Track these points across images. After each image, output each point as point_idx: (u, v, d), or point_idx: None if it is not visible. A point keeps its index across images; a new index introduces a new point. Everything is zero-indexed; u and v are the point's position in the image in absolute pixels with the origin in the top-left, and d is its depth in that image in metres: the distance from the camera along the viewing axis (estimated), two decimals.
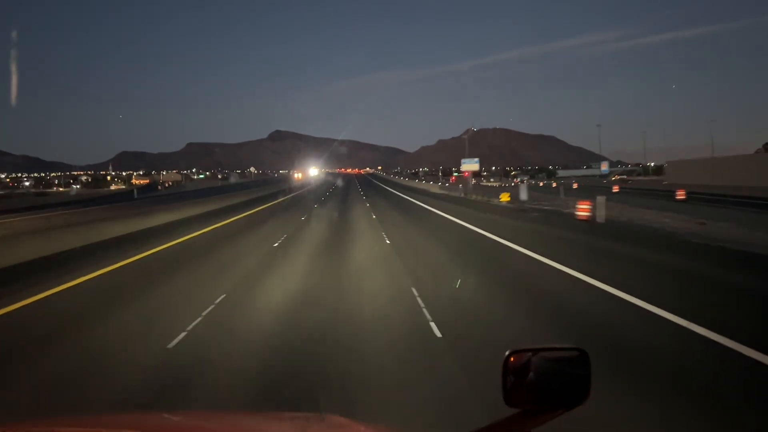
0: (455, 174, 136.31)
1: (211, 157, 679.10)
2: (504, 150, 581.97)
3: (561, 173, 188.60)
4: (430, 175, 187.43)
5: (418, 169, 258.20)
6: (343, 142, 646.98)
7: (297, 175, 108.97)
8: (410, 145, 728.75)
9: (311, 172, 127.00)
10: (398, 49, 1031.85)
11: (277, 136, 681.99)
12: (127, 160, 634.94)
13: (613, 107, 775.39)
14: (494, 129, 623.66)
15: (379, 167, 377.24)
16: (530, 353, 2.09)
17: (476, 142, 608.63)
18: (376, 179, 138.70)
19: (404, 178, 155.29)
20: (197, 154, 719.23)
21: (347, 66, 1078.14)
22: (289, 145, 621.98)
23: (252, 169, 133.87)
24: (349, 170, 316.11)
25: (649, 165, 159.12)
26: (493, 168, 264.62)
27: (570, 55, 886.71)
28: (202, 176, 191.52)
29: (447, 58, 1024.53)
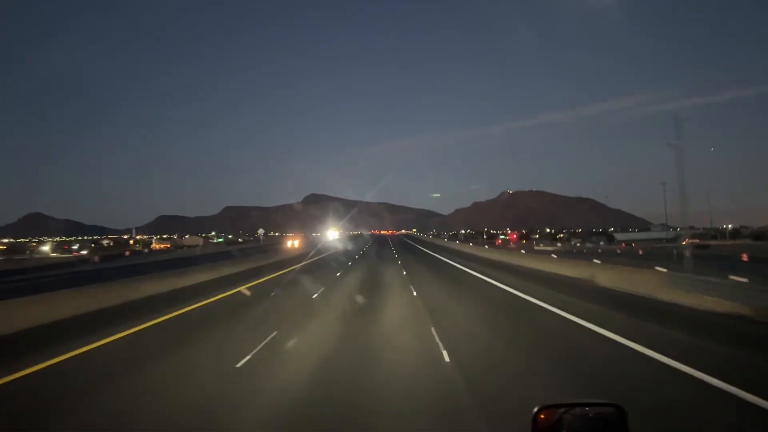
0: (501, 237, 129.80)
1: (247, 220, 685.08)
2: (541, 212, 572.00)
3: (619, 236, 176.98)
4: (471, 236, 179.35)
5: (459, 231, 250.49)
6: (376, 204, 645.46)
7: (291, 243, 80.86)
8: (445, 208, 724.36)
9: (330, 234, 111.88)
10: (432, 113, 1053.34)
11: (312, 199, 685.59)
12: (166, 224, 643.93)
13: (650, 170, 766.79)
14: (530, 191, 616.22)
15: (414, 229, 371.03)
16: (562, 409, 2.14)
17: (512, 205, 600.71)
18: (411, 240, 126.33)
19: (444, 238, 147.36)
20: (233, 217, 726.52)
21: (384, 129, 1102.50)
22: (323, 207, 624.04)
23: (260, 231, 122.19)
24: (383, 232, 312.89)
25: (726, 228, 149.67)
26: (541, 230, 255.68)
27: (606, 119, 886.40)
28: (221, 240, 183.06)
29: (482, 121, 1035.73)
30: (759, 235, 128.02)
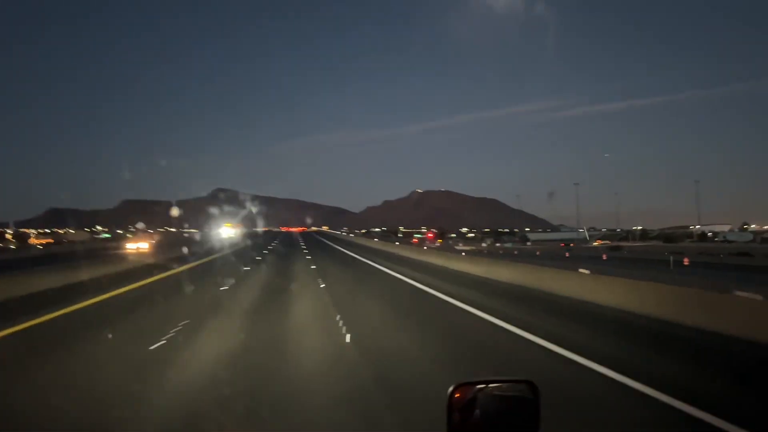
0: (417, 236, 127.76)
1: (147, 214, 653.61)
2: (449, 212, 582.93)
3: (533, 236, 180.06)
4: (384, 235, 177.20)
5: (371, 229, 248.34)
6: (287, 201, 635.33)
7: (133, 246, 51.08)
8: (355, 206, 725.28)
9: (223, 231, 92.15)
10: (344, 111, 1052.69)
11: (220, 194, 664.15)
12: (57, 217, 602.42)
13: (551, 173, 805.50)
14: (439, 191, 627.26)
15: (325, 226, 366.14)
16: (476, 387, 2.29)
17: (422, 204, 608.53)
18: (325, 238, 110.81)
19: (352, 235, 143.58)
20: (133, 211, 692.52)
21: (295, 126, 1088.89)
22: (231, 202, 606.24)
23: (140, 225, 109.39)
24: (292, 229, 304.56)
25: (636, 229, 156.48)
26: (454, 230, 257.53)
27: (512, 121, 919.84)
28: (107, 235, 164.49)
29: (393, 121, 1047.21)
30: (669, 237, 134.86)
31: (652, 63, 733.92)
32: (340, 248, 65.83)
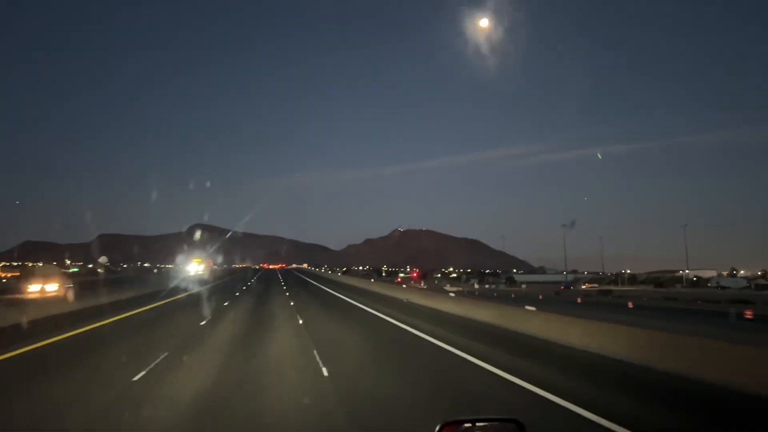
0: (401, 275, 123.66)
1: (124, 249, 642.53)
2: (430, 251, 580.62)
3: (519, 278, 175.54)
4: (366, 274, 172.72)
5: (352, 267, 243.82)
6: (267, 237, 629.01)
7: (36, 288, 37.24)
8: (336, 243, 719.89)
9: (190, 267, 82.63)
10: (326, 150, 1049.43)
11: (197, 230, 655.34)
12: (32, 251, 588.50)
13: (532, 216, 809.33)
14: (421, 230, 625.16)
15: (305, 264, 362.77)
16: (463, 425, 2.33)
17: (404, 243, 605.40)
18: (307, 276, 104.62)
19: (339, 273, 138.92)
20: (110, 245, 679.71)
21: (276, 164, 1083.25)
22: (209, 238, 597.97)
23: (102, 259, 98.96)
24: (272, 266, 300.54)
25: (624, 273, 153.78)
26: (438, 270, 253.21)
27: (494, 165, 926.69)
28: (76, 269, 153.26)
29: (375, 161, 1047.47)
30: (659, 282, 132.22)
31: (630, 110, 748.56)
32: (326, 289, 59.53)
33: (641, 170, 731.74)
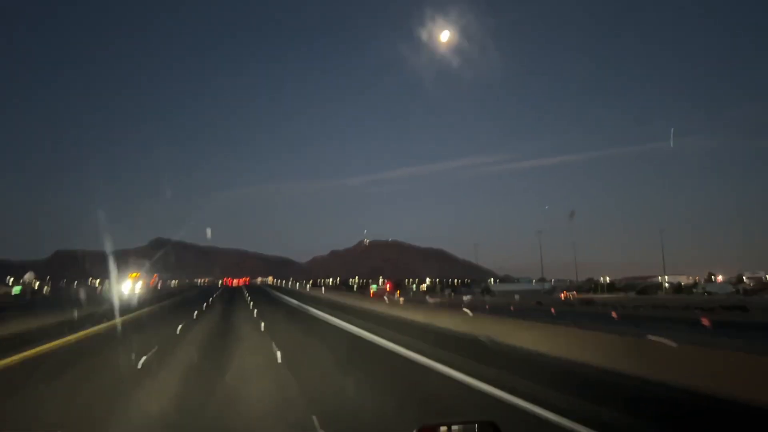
0: (373, 287, 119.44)
1: (81, 266, 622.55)
2: (397, 262, 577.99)
3: (497, 287, 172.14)
4: (334, 288, 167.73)
5: (321, 280, 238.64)
6: (230, 251, 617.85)
7: None
8: (301, 256, 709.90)
9: (124, 287, 67.90)
10: (288, 161, 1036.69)
11: (159, 244, 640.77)
12: None
13: (497, 224, 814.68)
14: (386, 241, 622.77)
15: (270, 278, 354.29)
16: (439, 428, 2.37)
17: (369, 254, 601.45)
18: (280, 293, 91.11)
19: (307, 286, 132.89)
20: (66, 262, 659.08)
21: (238, 175, 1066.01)
22: (171, 253, 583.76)
23: (27, 276, 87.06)
24: (236, 281, 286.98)
25: (603, 280, 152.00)
26: (412, 281, 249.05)
27: (456, 174, 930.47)
28: (18, 288, 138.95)
29: (339, 172, 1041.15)
30: (642, 289, 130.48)
31: (597, 117, 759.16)
32: (304, 307, 48.78)
33: (607, 177, 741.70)
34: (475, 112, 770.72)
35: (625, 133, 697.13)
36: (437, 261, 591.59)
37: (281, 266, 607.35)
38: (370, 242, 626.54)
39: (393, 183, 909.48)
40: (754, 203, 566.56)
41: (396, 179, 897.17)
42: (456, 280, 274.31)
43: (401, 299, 73.99)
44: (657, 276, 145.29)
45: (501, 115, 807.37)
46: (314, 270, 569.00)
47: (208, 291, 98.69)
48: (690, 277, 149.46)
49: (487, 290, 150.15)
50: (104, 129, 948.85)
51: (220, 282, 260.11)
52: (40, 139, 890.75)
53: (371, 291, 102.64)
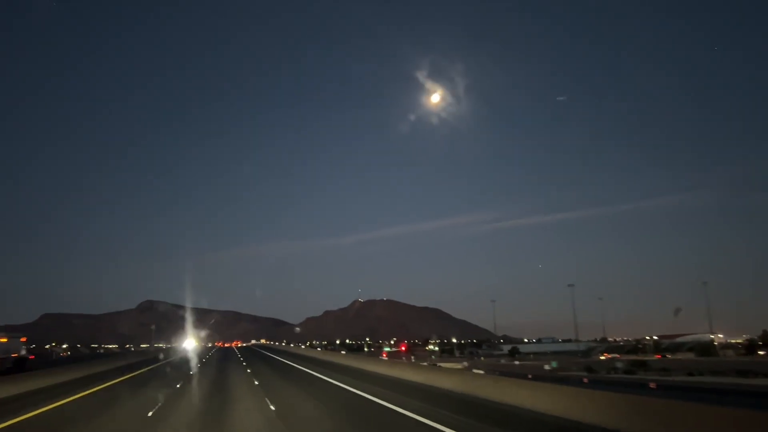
0: (386, 349, 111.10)
1: (69, 329, 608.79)
2: (392, 321, 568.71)
3: (528, 348, 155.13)
4: (333, 349, 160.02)
5: (315, 342, 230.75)
6: (221, 313, 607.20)
7: None
8: (294, 317, 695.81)
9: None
10: (280, 222, 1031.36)
11: (147, 306, 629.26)
12: None
13: (493, 283, 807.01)
14: (381, 300, 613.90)
15: (263, 339, 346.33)
16: None
17: (364, 314, 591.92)
18: (281, 356, 79.19)
19: (301, 346, 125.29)
20: (53, 326, 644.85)
21: (227, 236, 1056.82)
22: (160, 315, 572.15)
23: None
24: (227, 344, 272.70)
25: (649, 339, 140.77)
26: (423, 341, 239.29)
27: (449, 233, 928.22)
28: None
29: (330, 232, 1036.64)
30: (706, 349, 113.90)
31: (585, 177, 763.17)
32: (324, 378, 36.22)
33: (609, 234, 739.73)
34: (467, 170, 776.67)
35: (614, 192, 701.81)
36: (433, 320, 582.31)
37: (274, 327, 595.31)
38: (364, 301, 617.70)
39: (385, 241, 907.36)
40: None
41: (388, 238, 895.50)
42: (465, 341, 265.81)
43: (426, 363, 68.13)
44: (685, 334, 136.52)
45: (493, 173, 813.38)
46: (308, 331, 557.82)
47: (202, 353, 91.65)
48: (744, 336, 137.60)
49: (515, 352, 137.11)
50: (93, 191, 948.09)
51: (211, 344, 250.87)
52: (26, 201, 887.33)
53: (384, 353, 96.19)
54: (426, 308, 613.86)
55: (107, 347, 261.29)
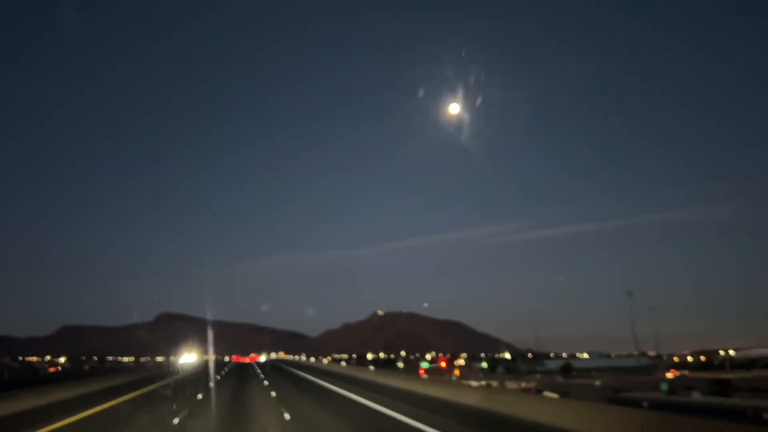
0: (423, 365, 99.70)
1: (87, 341, 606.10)
2: (413, 335, 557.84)
3: (583, 363, 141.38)
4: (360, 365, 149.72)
5: (333, 355, 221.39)
6: (239, 325, 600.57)
7: None
8: (313, 329, 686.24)
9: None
10: (298, 233, 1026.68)
11: (165, 319, 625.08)
12: None
13: (515, 295, 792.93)
14: (401, 313, 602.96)
15: (281, 352, 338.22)
16: None
17: (383, 327, 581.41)
18: (313, 374, 65.76)
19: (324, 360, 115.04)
20: (71, 338, 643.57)
21: (245, 247, 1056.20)
22: (177, 327, 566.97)
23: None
24: (242, 359, 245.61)
25: (726, 353, 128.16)
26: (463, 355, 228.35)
27: (470, 244, 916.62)
28: None
29: (349, 243, 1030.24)
30: (750, 362, 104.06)
31: (621, 185, 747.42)
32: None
33: (627, 245, 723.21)
34: (490, 179, 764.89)
35: (629, 203, 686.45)
36: (454, 333, 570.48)
37: (291, 340, 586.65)
38: (384, 314, 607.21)
39: (407, 253, 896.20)
40: None
41: (410, 249, 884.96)
42: (492, 355, 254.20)
43: (482, 383, 58.18)
44: (724, 350, 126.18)
45: (515, 183, 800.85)
46: (326, 344, 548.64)
47: (216, 368, 79.97)
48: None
49: (568, 369, 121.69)
50: (113, 205, 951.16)
51: (227, 358, 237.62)
52: (46, 214, 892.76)
53: (421, 369, 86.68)
54: (447, 321, 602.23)
55: (122, 360, 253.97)
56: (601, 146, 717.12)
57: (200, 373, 61.74)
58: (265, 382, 48.80)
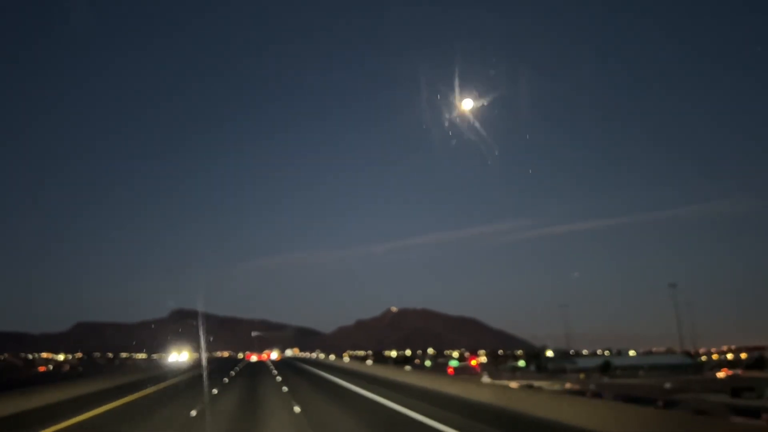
0: (452, 364, 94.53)
1: (102, 338, 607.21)
2: (427, 331, 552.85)
3: (620, 360, 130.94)
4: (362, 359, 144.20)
5: (349, 351, 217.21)
6: (253, 322, 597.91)
7: None
8: (326, 326, 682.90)
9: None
10: (310, 230, 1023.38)
11: (180, 316, 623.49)
12: (3, 343, 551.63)
13: (530, 292, 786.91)
14: (415, 310, 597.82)
15: (295, 349, 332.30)
16: None
17: (397, 324, 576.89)
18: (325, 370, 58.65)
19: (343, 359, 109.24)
20: (86, 335, 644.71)
21: (261, 245, 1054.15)
22: (192, 324, 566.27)
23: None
24: (254, 356, 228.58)
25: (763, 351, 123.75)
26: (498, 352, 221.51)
27: (484, 240, 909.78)
28: None
29: (363, 240, 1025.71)
30: None
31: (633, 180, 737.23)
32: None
33: (637, 241, 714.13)
34: (506, 176, 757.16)
35: (643, 199, 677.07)
36: (469, 330, 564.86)
37: (305, 337, 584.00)
38: (398, 311, 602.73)
39: (422, 249, 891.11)
40: None
41: (425, 245, 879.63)
42: (504, 351, 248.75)
43: (516, 383, 53.18)
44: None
45: (530, 179, 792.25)
46: (340, 341, 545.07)
47: (225, 367, 73.50)
48: None
49: (608, 367, 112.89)
50: (127, 201, 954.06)
51: (241, 355, 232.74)
52: (61, 211, 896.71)
53: (450, 368, 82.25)
54: (461, 317, 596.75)
55: (136, 357, 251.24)
56: (633, 139, 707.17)
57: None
58: (297, 409, 37.24)
